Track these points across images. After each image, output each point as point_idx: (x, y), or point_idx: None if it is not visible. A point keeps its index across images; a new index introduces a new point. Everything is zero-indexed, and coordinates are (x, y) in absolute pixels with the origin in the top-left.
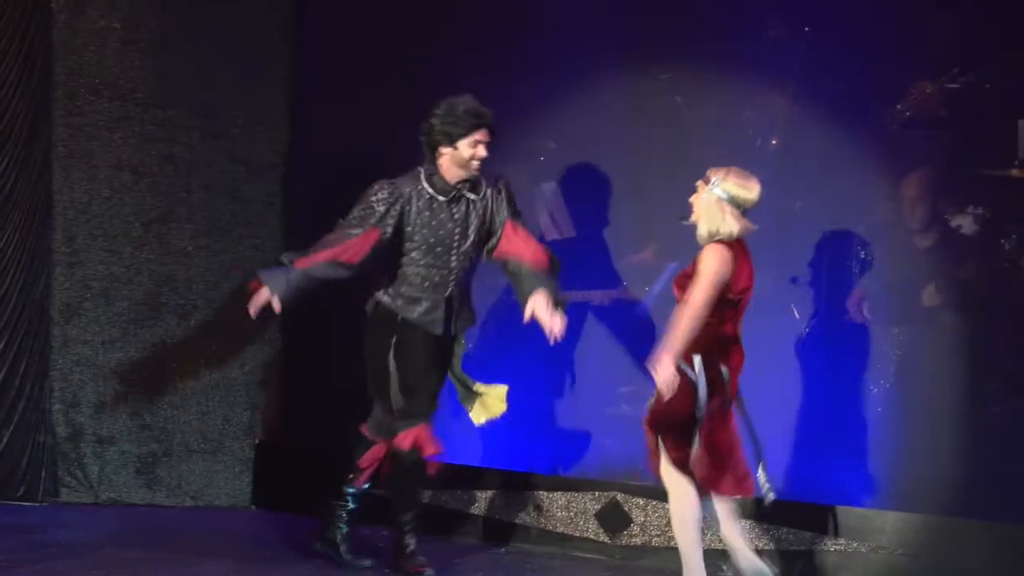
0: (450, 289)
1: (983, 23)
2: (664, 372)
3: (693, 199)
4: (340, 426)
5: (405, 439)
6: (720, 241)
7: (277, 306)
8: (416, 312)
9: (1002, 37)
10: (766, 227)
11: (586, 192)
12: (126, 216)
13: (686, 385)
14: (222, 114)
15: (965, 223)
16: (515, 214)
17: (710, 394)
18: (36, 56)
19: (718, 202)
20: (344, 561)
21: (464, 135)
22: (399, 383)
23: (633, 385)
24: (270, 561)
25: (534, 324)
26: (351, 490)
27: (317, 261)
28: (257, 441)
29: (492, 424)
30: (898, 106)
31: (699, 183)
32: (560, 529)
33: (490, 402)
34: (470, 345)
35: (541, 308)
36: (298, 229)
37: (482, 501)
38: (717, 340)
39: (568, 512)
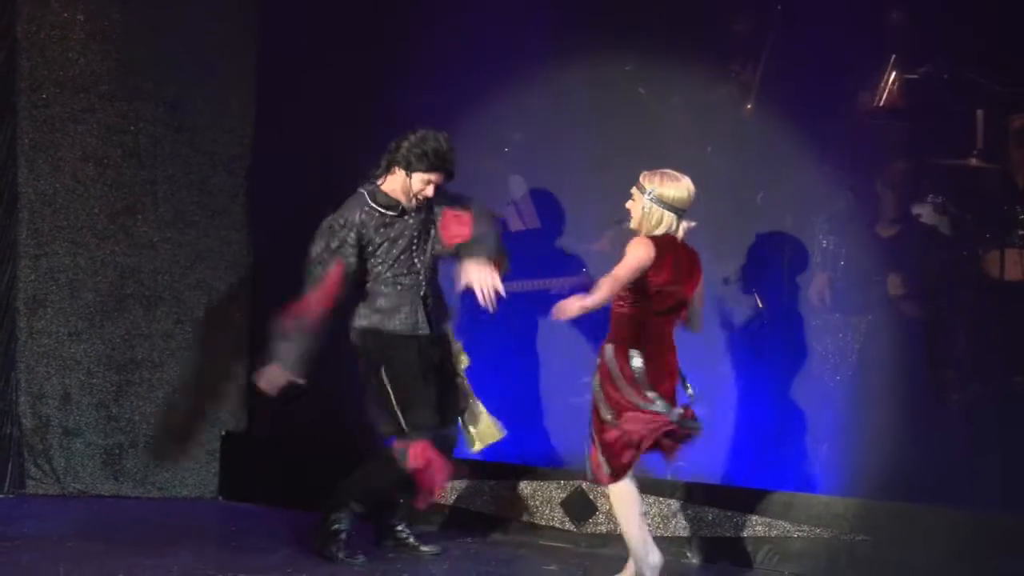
0: (423, 289)
1: (942, 14)
2: (568, 308)
3: (630, 205)
4: (305, 417)
5: (408, 450)
6: (649, 236)
7: (301, 380)
8: (398, 320)
9: (961, 28)
10: (728, 217)
11: (551, 183)
12: (91, 208)
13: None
14: (186, 106)
15: (925, 212)
16: (450, 202)
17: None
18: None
19: (655, 208)
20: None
21: (422, 171)
22: (397, 396)
23: None
24: (236, 551)
25: (502, 313)
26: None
27: (312, 326)
28: (223, 432)
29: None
30: (858, 97)
31: (634, 190)
32: (526, 518)
33: (484, 431)
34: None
35: (471, 274)
36: (263, 220)
37: (449, 490)
38: (635, 329)
39: (534, 501)
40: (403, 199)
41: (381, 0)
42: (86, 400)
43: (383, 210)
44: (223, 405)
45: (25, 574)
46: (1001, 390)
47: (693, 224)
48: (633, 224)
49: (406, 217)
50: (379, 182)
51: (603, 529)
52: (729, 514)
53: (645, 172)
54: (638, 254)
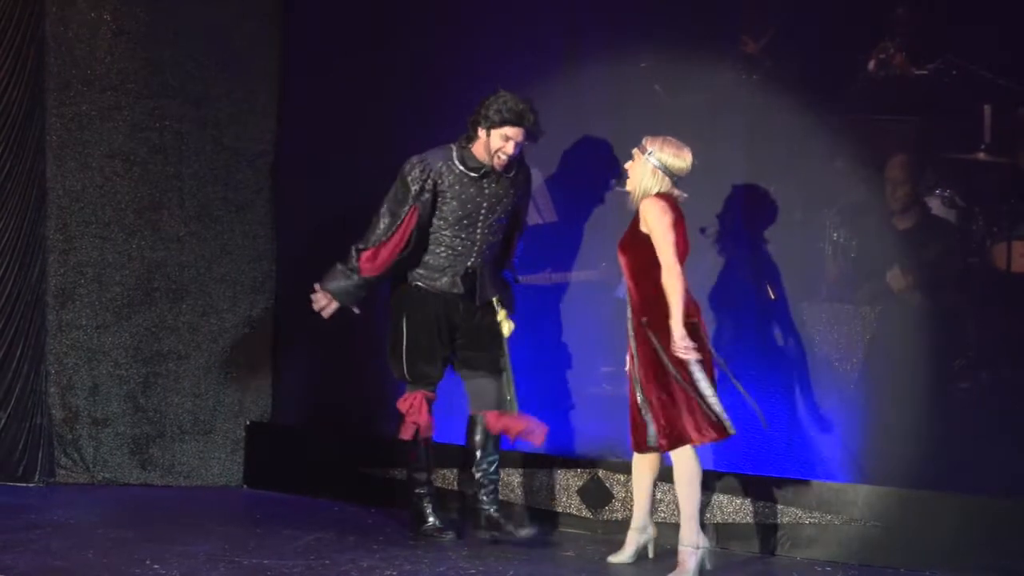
0: (473, 259)
1: (951, 10)
2: (685, 344)
3: (628, 166)
4: (328, 407)
5: (403, 402)
6: (655, 194)
7: (330, 312)
8: (439, 282)
9: (969, 24)
10: (740, 208)
11: (567, 178)
12: (118, 203)
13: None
14: (211, 103)
15: (933, 205)
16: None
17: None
18: (29, 48)
19: (653, 170)
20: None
21: (498, 126)
22: (408, 345)
23: (613, 365)
24: (260, 539)
25: (519, 305)
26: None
27: (381, 268)
28: (248, 422)
29: None
30: (868, 92)
31: (635, 151)
32: (543, 505)
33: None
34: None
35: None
36: (287, 214)
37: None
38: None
39: (551, 489)
40: (487, 161)
41: None
42: (114, 391)
43: (464, 169)
44: (248, 396)
45: (55, 560)
46: (1009, 379)
47: (684, 195)
48: (629, 186)
49: (485, 184)
50: (470, 144)
51: (619, 516)
52: (741, 501)
53: (648, 136)
54: (662, 218)
